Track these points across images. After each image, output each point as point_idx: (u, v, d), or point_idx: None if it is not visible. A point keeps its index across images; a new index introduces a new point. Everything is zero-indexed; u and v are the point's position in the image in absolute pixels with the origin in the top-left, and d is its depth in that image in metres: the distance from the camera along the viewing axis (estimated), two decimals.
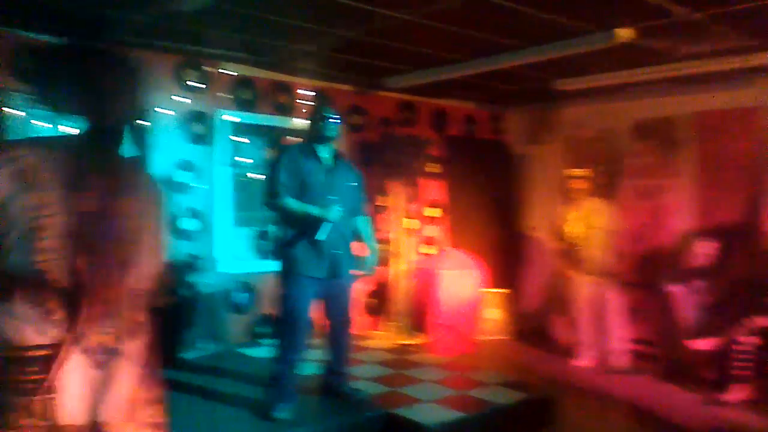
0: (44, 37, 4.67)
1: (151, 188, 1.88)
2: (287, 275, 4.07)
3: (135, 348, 1.70)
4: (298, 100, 6.12)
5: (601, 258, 5.67)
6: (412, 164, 6.40)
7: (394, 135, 6.61)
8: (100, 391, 1.61)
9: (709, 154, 5.96)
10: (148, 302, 1.79)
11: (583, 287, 5.78)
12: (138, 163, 1.82)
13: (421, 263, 6.67)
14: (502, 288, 6.92)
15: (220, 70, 5.67)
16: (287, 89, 6.10)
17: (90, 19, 4.42)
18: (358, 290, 6.58)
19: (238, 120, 5.84)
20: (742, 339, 4.85)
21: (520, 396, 4.75)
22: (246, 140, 5.95)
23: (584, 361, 5.82)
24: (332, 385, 4.37)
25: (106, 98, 1.64)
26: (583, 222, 5.73)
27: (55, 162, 1.57)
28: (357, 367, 5.13)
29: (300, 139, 4.34)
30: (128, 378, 1.68)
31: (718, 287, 5.33)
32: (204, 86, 5.58)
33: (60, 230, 1.51)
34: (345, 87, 6.46)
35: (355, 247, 4.31)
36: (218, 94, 5.68)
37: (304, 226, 3.98)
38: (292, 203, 3.97)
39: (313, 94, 6.19)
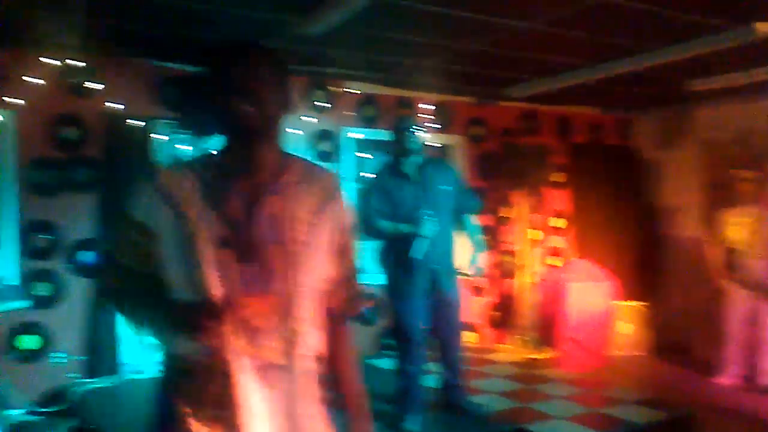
0: (183, 67, 5.03)
1: (325, 183, 1.65)
2: (392, 293, 4.12)
3: (308, 362, 1.57)
4: (419, 114, 6.20)
5: (762, 269, 5.28)
6: (536, 174, 6.28)
7: (517, 145, 6.53)
8: (278, 410, 1.50)
9: None
10: (327, 311, 1.66)
11: (738, 299, 5.39)
12: (305, 161, 1.68)
13: (547, 275, 6.52)
14: (636, 300, 6.62)
15: (345, 89, 5.85)
16: (409, 104, 6.19)
17: (223, 47, 4.69)
18: (482, 303, 6.55)
19: (362, 136, 6.00)
20: None
21: (658, 415, 4.53)
22: (370, 156, 6.10)
23: (729, 379, 5.44)
24: (450, 399, 4.36)
25: (261, 95, 1.50)
26: (747, 228, 5.35)
27: (201, 177, 1.52)
28: (483, 381, 5.09)
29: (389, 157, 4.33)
30: (305, 395, 1.56)
31: None
32: (330, 105, 5.78)
33: (214, 242, 1.46)
34: (465, 99, 6.47)
35: (461, 251, 4.26)
36: (343, 112, 5.87)
37: (401, 245, 4.00)
38: (385, 225, 4.02)
39: (433, 107, 6.25)
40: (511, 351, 6.32)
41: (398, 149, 4.12)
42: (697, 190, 6.74)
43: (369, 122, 6.02)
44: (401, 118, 4.51)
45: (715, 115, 6.58)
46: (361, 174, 5.99)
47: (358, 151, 6.03)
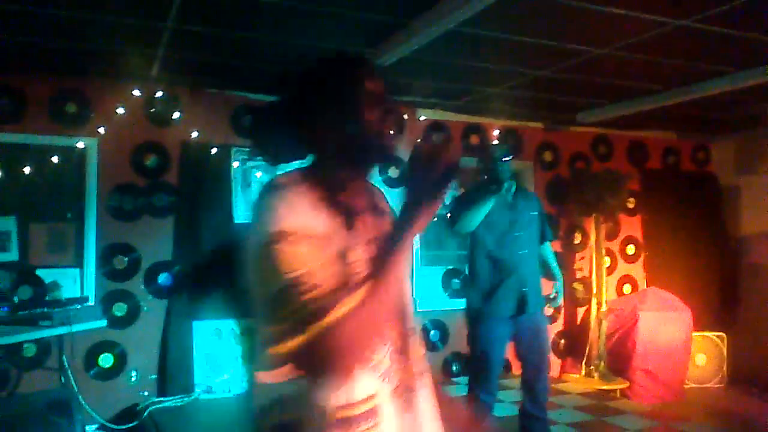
0: (260, 96, 5.17)
1: (385, 202, 1.61)
2: (475, 315, 4.06)
3: (429, 383, 1.50)
4: (492, 142, 6.17)
5: None
6: (609, 200, 6.14)
7: (589, 171, 6.41)
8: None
9: None
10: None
11: None
12: (376, 187, 1.62)
13: (620, 303, 6.33)
14: (713, 330, 6.35)
15: (417, 117, 5.88)
16: (478, 130, 6.17)
17: (294, 78, 4.80)
18: (554, 331, 6.41)
19: None
20: None
21: None
22: None
23: None
24: (528, 430, 4.24)
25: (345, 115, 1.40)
26: None
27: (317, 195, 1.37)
28: (553, 412, 4.95)
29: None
30: (433, 415, 1.48)
31: None
32: (400, 132, 5.82)
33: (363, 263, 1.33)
34: (536, 124, 6.40)
35: (542, 280, 4.20)
36: (414, 138, 5.89)
37: (493, 265, 3.96)
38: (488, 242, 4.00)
39: (499, 132, 6.21)
40: (581, 381, 6.15)
41: (490, 177, 4.08)
42: None
43: None
44: (493, 147, 4.47)
45: None
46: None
47: None
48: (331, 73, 1.43)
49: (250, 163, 5.19)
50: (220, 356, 4.97)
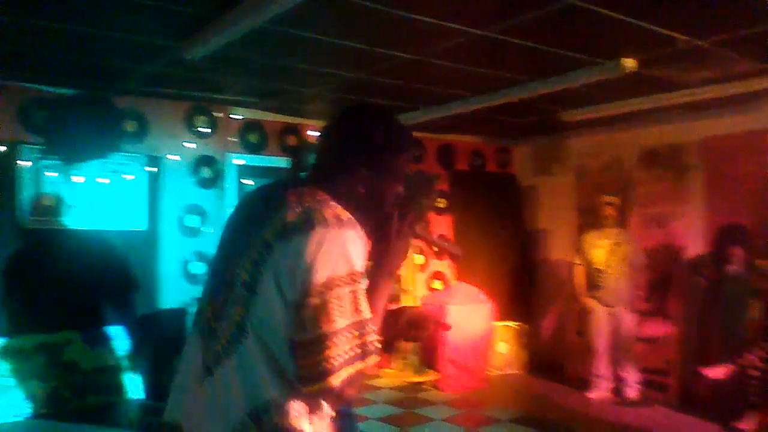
0: (54, 89, 4.73)
1: None
2: None
3: None
4: (308, 142, 6.15)
5: (620, 287, 5.62)
6: (420, 200, 6.38)
7: None
8: None
9: (717, 179, 5.92)
10: None
11: (602, 317, 5.71)
12: None
13: (431, 298, 6.61)
14: (514, 321, 6.84)
15: (230, 115, 5.71)
16: (295, 131, 6.13)
17: (100, 70, 4.48)
18: None
19: (244, 163, 5.86)
20: (755, 365, 4.75)
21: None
22: (254, 182, 5.97)
23: (600, 393, 5.72)
24: (341, 429, 4.25)
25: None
26: (608, 250, 5.69)
27: None
28: (366, 408, 5.05)
29: None
30: None
31: (731, 314, 5.23)
32: (212, 131, 5.62)
33: None
34: None
35: None
36: (227, 138, 5.72)
37: None
38: None
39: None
40: (394, 375, 6.34)
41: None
42: (569, 215, 7.09)
43: (254, 148, 5.90)
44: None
45: (587, 144, 6.97)
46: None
47: (243, 178, 5.87)
48: (393, 139, 1.58)
49: (42, 162, 4.72)
50: None
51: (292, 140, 6.09)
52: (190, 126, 5.52)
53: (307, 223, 1.35)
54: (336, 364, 1.30)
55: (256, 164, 5.93)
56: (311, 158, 3.99)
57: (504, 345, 6.76)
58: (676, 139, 6.19)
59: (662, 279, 6.05)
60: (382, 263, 1.54)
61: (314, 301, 1.30)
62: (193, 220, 5.51)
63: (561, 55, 4.22)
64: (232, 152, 5.78)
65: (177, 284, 5.35)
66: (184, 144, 5.48)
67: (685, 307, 5.73)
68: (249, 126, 5.86)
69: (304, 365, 1.31)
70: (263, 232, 1.38)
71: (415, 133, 6.86)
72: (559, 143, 7.26)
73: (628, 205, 6.28)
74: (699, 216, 6.01)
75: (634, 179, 6.44)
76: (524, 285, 7.35)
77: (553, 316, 7.11)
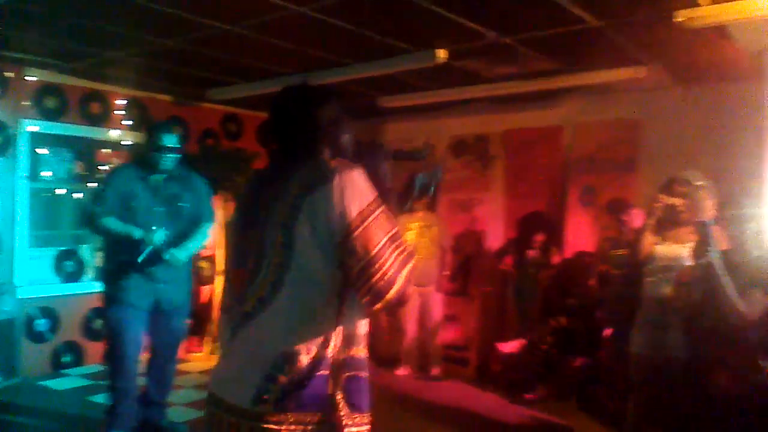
0: None
1: None
2: (110, 302, 3.76)
3: None
4: (114, 111, 5.75)
5: (429, 268, 5.85)
6: (236, 179, 6.20)
7: (216, 148, 6.40)
8: None
9: (515, 169, 6.41)
10: None
11: (411, 296, 5.91)
12: None
13: None
14: None
15: (24, 77, 5.17)
16: (101, 98, 5.70)
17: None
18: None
19: (40, 130, 5.35)
20: (541, 340, 5.22)
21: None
22: (50, 152, 5.48)
23: (406, 370, 5.95)
24: (150, 419, 4.06)
25: None
26: (417, 232, 5.88)
27: None
28: (174, 394, 4.86)
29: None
30: None
31: (525, 292, 5.70)
32: (1, 92, 5.06)
33: None
34: (164, 97, 6.16)
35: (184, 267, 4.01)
36: (20, 101, 5.18)
37: (127, 251, 3.69)
38: (112, 224, 3.68)
39: (137, 108, 5.84)
40: (204, 359, 6.16)
41: (147, 162, 3.78)
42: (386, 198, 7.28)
43: (52, 114, 5.40)
44: (159, 131, 3.96)
45: (404, 129, 7.19)
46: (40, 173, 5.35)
47: (37, 147, 5.36)
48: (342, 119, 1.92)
49: None
50: None
51: (96, 108, 5.66)
52: None
53: (324, 177, 1.59)
54: (391, 275, 1.58)
55: (54, 132, 5.43)
56: (170, 140, 3.76)
57: None
58: (481, 129, 6.59)
59: (466, 260, 6.43)
60: None
61: (357, 232, 1.56)
62: None
63: (378, 40, 4.30)
64: (26, 118, 5.24)
65: None
66: None
67: (484, 287, 6.13)
68: (46, 89, 5.36)
69: (367, 288, 1.57)
70: (286, 198, 1.61)
71: (232, 109, 6.70)
72: (376, 128, 7.42)
73: (437, 190, 6.57)
74: (500, 202, 6.47)
75: (444, 166, 6.76)
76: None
77: None
